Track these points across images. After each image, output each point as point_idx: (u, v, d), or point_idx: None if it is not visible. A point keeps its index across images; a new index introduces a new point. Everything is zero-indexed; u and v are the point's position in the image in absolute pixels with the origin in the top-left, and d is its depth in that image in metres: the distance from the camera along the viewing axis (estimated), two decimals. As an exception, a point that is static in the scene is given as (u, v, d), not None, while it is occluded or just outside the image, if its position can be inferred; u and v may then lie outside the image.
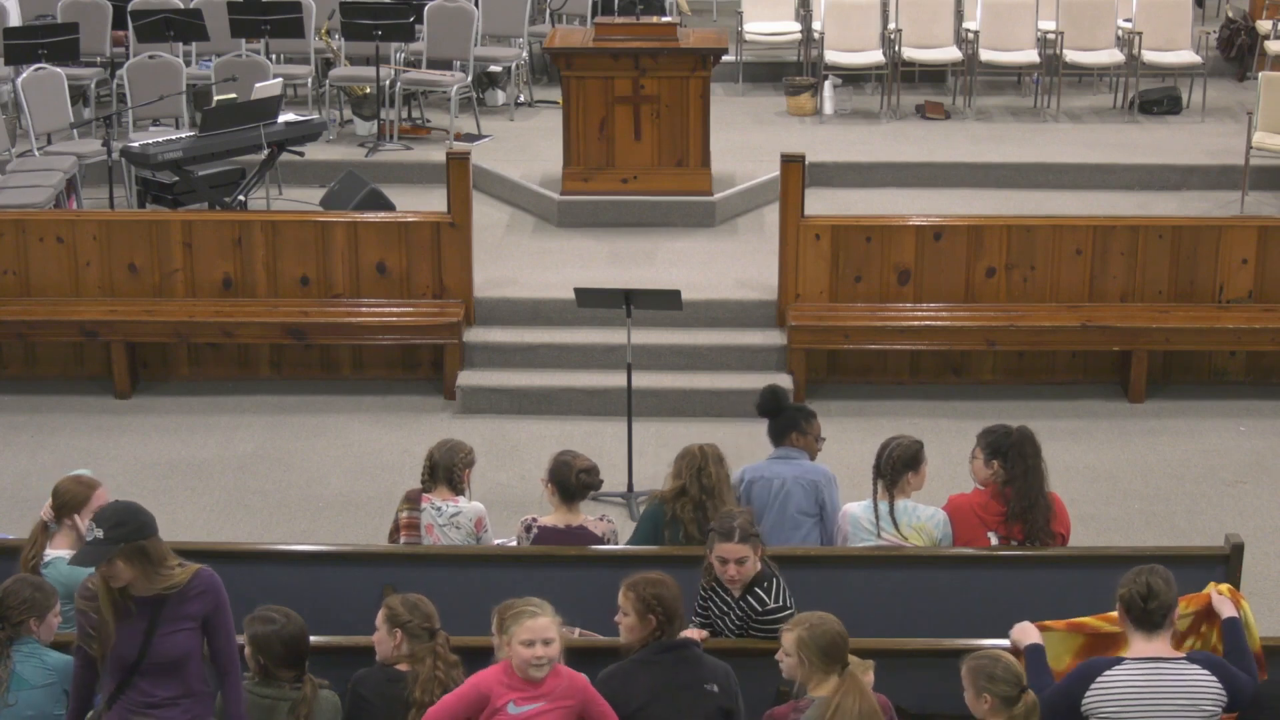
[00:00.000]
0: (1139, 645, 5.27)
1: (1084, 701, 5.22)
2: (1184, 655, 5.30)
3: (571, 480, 6.70)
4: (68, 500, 6.12)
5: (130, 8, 13.39)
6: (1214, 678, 5.22)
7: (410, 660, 5.41)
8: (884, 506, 6.68)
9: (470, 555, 6.65)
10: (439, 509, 6.78)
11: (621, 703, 5.33)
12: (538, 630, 5.15)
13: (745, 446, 8.59)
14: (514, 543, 6.93)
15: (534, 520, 6.79)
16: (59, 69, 12.32)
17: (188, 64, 13.15)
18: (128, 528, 5.04)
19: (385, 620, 5.47)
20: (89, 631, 5.17)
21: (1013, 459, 6.64)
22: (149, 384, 10.12)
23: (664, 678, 5.37)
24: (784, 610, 5.87)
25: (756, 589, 5.90)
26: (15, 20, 13.91)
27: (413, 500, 6.84)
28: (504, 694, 5.16)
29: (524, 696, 5.15)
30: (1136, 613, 5.26)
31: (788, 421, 7.05)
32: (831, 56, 13.80)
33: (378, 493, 8.67)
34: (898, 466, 6.67)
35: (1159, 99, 13.83)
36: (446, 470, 6.83)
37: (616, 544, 6.78)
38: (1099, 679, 5.23)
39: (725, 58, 12.08)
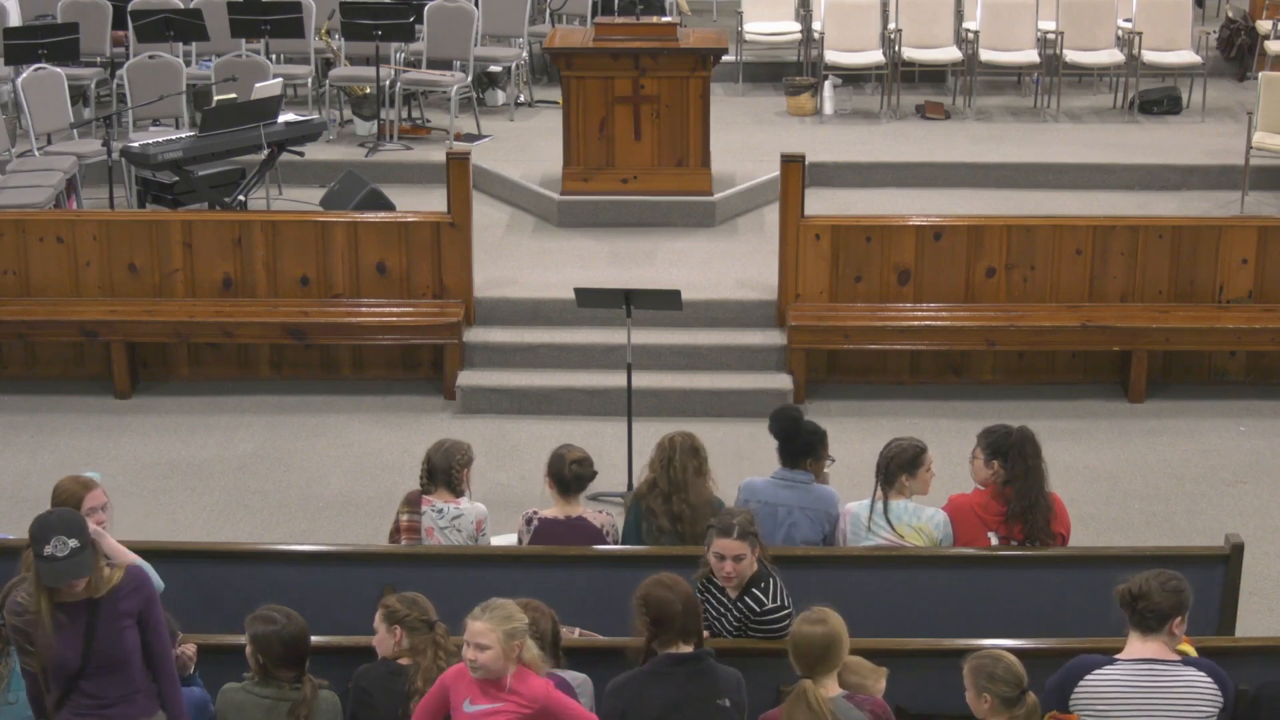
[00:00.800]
0: (1134, 646, 5.27)
1: (1072, 698, 5.23)
2: (1179, 658, 5.28)
3: (565, 472, 6.71)
4: (65, 499, 6.10)
5: (130, 8, 13.39)
6: (1211, 680, 5.21)
7: (411, 654, 5.42)
8: (879, 505, 6.68)
9: (470, 555, 6.65)
10: (440, 511, 6.78)
11: (634, 715, 5.30)
12: (472, 633, 5.12)
13: (745, 447, 8.61)
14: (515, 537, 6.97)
15: (535, 513, 6.83)
16: (59, 69, 12.32)
17: (188, 64, 13.15)
18: (85, 532, 5.08)
19: (383, 619, 5.47)
20: (26, 648, 5.14)
21: (1013, 459, 6.63)
22: (149, 384, 10.12)
23: (677, 691, 5.31)
24: (782, 610, 5.86)
25: (754, 589, 5.89)
26: (15, 20, 13.91)
27: (413, 503, 6.84)
28: (464, 691, 5.17)
29: (480, 695, 5.14)
30: (1127, 610, 5.27)
31: (804, 446, 6.86)
32: (831, 56, 13.80)
33: (378, 493, 8.67)
34: (892, 468, 6.66)
35: (1159, 99, 13.83)
36: (444, 472, 6.82)
37: (616, 536, 6.81)
38: (1088, 676, 5.24)
39: (725, 58, 12.08)
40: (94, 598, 5.09)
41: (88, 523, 5.19)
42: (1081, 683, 5.23)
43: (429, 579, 6.26)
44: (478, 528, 6.82)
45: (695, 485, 6.67)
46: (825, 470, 6.99)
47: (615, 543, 6.78)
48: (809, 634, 5.18)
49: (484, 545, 6.82)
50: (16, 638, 5.16)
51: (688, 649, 5.40)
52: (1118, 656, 5.28)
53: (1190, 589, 5.29)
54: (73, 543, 5.00)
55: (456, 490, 6.84)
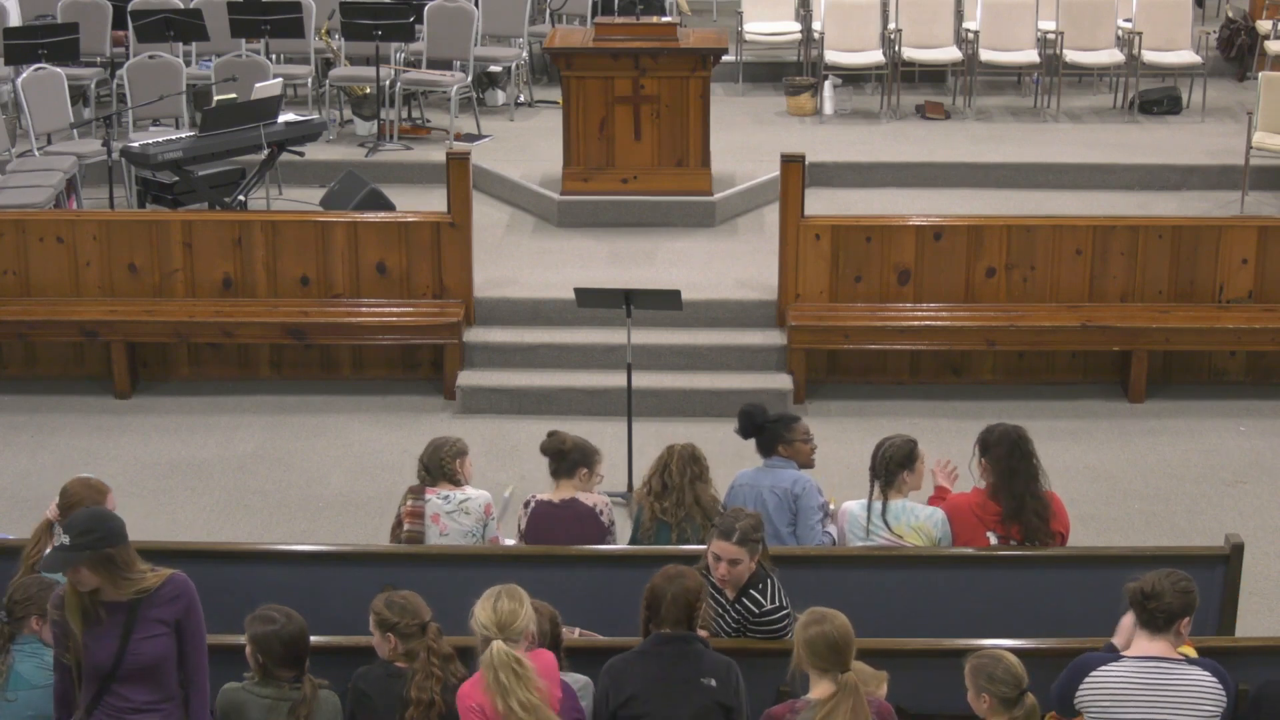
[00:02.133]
0: (1141, 644, 5.27)
1: (1077, 696, 5.24)
2: (1185, 658, 5.29)
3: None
4: (75, 503, 6.09)
5: (130, 8, 13.40)
6: (1216, 680, 5.22)
7: (407, 658, 5.42)
8: (877, 506, 6.69)
9: (469, 555, 6.66)
10: (446, 498, 6.86)
11: (616, 690, 5.38)
12: None
13: (745, 448, 8.57)
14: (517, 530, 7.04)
15: (533, 497, 6.99)
16: (59, 69, 12.32)
17: (188, 64, 13.15)
18: (94, 535, 5.02)
19: (376, 626, 5.47)
20: (65, 642, 5.15)
21: (993, 458, 6.65)
22: (149, 384, 10.12)
23: (661, 670, 5.37)
24: (780, 611, 5.87)
25: (752, 591, 5.90)
26: (15, 20, 13.91)
27: (417, 491, 6.93)
28: None
29: None
30: (1137, 609, 5.28)
31: (771, 436, 7.10)
32: (831, 56, 13.80)
33: (378, 493, 8.68)
34: (892, 466, 6.68)
35: (1159, 99, 13.83)
36: (437, 468, 6.92)
37: (611, 518, 6.90)
38: (1093, 673, 5.25)
39: (725, 58, 12.08)
40: (133, 600, 5.08)
41: (107, 532, 5.09)
42: (1088, 679, 5.24)
43: (429, 579, 6.26)
44: (486, 511, 6.90)
45: (693, 490, 6.77)
46: (810, 451, 7.14)
47: (611, 523, 6.88)
48: (823, 632, 5.10)
49: (483, 545, 6.83)
50: (56, 631, 5.18)
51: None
52: (1124, 653, 5.29)
53: (1198, 590, 5.30)
54: (64, 538, 5.02)
55: (455, 481, 6.91)
